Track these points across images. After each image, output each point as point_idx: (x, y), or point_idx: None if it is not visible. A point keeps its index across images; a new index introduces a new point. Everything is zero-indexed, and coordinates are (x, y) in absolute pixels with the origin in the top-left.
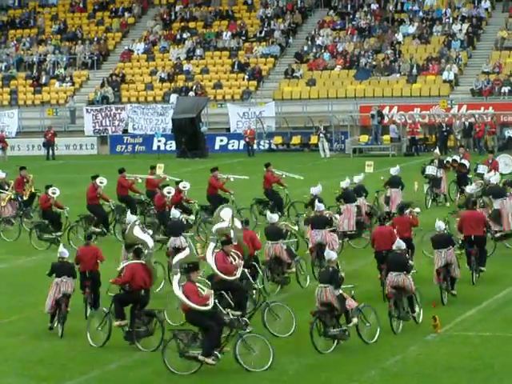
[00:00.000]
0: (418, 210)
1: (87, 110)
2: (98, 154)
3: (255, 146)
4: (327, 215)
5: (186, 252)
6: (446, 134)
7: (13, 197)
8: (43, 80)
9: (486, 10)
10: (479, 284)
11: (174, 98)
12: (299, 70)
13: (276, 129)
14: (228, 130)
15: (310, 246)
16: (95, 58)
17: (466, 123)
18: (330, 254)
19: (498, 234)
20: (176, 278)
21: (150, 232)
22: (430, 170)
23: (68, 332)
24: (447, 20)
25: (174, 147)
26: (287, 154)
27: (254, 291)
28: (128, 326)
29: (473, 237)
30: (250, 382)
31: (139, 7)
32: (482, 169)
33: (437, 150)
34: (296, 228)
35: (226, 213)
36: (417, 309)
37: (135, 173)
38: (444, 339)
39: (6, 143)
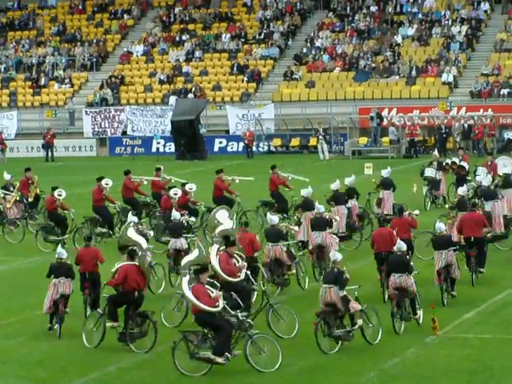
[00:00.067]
0: (417, 212)
1: (86, 111)
2: (97, 156)
3: (254, 148)
4: (327, 217)
5: (195, 253)
6: (445, 136)
7: (18, 198)
8: (42, 82)
9: (486, 12)
10: (478, 286)
11: (173, 99)
12: (298, 72)
13: (275, 131)
14: (227, 131)
15: (310, 247)
16: (94, 59)
17: (465, 125)
18: (336, 255)
19: (488, 235)
20: (185, 280)
21: (151, 233)
22: (429, 172)
23: (67, 333)
24: (446, 22)
25: (173, 149)
26: (286, 155)
27: (255, 293)
28: (122, 328)
29: (472, 238)
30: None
31: (138, 9)
32: (481, 171)
33: (435, 152)
34: (296, 228)
35: (221, 214)
36: (418, 311)
37: (134, 175)
38: (443, 341)
39: (5, 145)
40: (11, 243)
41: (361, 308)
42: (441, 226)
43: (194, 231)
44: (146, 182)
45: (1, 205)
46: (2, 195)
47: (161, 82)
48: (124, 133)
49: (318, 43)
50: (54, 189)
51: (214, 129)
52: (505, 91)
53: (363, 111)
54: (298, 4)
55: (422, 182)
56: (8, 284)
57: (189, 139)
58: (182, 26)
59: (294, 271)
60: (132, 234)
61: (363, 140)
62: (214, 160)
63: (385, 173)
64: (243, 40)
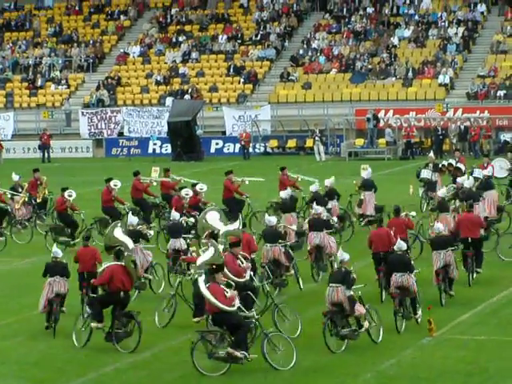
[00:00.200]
0: (413, 213)
1: (83, 112)
2: (94, 157)
3: (251, 150)
4: (325, 218)
5: (210, 253)
6: (441, 137)
7: (26, 199)
8: (39, 83)
9: (482, 13)
10: (475, 287)
11: (169, 101)
12: (295, 74)
13: (271, 132)
14: (224, 133)
15: (309, 248)
16: (91, 60)
17: (462, 127)
18: (343, 255)
19: None
20: (201, 280)
21: (151, 233)
22: (425, 173)
23: (65, 333)
24: (443, 24)
25: (169, 150)
26: (283, 157)
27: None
28: (108, 328)
29: (469, 239)
30: None
31: (135, 10)
32: (477, 172)
33: (431, 154)
34: (294, 227)
35: (212, 216)
36: (418, 311)
37: (131, 176)
38: (439, 343)
39: (2, 146)
40: (8, 243)
41: (365, 310)
42: (439, 227)
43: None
44: (155, 183)
45: (9, 206)
46: (10, 196)
47: (157, 83)
48: (120, 134)
49: (314, 44)
50: (63, 189)
51: (211, 130)
52: (501, 93)
53: (360, 113)
54: (295, 5)
55: (419, 183)
56: (5, 284)
57: (185, 140)
58: (178, 27)
59: (292, 272)
60: (118, 234)
61: (359, 141)
62: (210, 161)
63: (365, 174)
64: (240, 41)
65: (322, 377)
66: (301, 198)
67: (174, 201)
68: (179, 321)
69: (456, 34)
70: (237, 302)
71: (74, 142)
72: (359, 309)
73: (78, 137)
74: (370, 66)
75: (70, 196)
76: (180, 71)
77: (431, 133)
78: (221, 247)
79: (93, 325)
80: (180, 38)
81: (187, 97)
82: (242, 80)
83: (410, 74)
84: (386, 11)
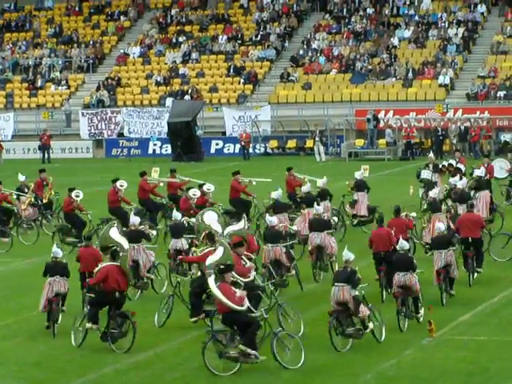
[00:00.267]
0: (414, 214)
1: (83, 113)
2: (94, 158)
3: (251, 150)
4: (326, 217)
5: (220, 253)
6: (441, 138)
7: (33, 200)
8: (39, 83)
9: (482, 14)
10: (475, 287)
11: (169, 101)
12: (295, 74)
13: (271, 132)
14: (224, 133)
15: (310, 248)
16: (91, 61)
17: (462, 127)
18: (348, 255)
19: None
20: (212, 279)
21: (154, 232)
22: (425, 174)
23: (65, 333)
24: (443, 24)
25: (169, 151)
26: (283, 157)
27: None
28: (104, 327)
29: (470, 239)
30: None
31: (135, 11)
32: (477, 173)
33: (431, 155)
34: (294, 228)
35: (209, 216)
36: (421, 310)
37: (131, 177)
38: (439, 343)
39: (2, 146)
40: (14, 244)
41: (370, 311)
42: (440, 226)
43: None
44: (162, 184)
45: (15, 206)
46: (16, 197)
47: (157, 84)
48: (120, 134)
49: (314, 45)
50: (71, 190)
51: (211, 130)
52: (501, 93)
53: (360, 113)
54: (295, 6)
55: (419, 184)
56: (5, 285)
57: (185, 141)
58: (178, 27)
59: (293, 272)
60: (114, 234)
61: (360, 142)
62: (210, 162)
63: (358, 175)
64: (240, 42)
65: (321, 377)
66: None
67: (182, 201)
68: (180, 321)
69: (456, 34)
70: (246, 302)
71: (74, 143)
72: (363, 310)
73: (78, 137)
74: (370, 67)
75: (77, 196)
76: (180, 72)
77: (431, 133)
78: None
79: (87, 326)
80: (180, 39)
81: (187, 97)
82: (242, 80)
83: (410, 75)
84: (386, 12)
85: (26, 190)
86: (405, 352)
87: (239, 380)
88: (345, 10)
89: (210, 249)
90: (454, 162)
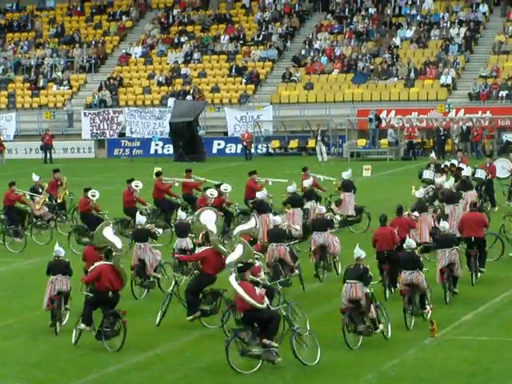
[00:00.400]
0: (416, 213)
1: (85, 113)
2: (96, 158)
3: (253, 150)
4: (328, 217)
5: (240, 251)
6: (443, 138)
7: (47, 200)
8: (41, 83)
9: (484, 14)
10: (477, 287)
11: (171, 101)
12: (297, 74)
13: (273, 132)
14: (226, 133)
15: (313, 248)
16: (93, 61)
17: (464, 127)
18: (360, 252)
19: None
20: (233, 278)
21: (160, 231)
22: (427, 174)
23: (67, 334)
24: (445, 24)
25: (171, 151)
26: (285, 157)
27: None
28: (99, 326)
29: (473, 238)
30: None
31: (137, 11)
32: (480, 173)
33: (433, 155)
34: (297, 227)
35: (206, 216)
36: (428, 307)
37: (132, 177)
38: (441, 343)
39: (4, 146)
40: (20, 244)
41: (377, 308)
42: (445, 225)
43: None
44: (177, 184)
45: (29, 207)
46: (29, 197)
47: (159, 84)
48: (122, 134)
49: (316, 45)
50: (86, 190)
51: (213, 130)
52: (503, 93)
53: (362, 113)
54: (297, 6)
55: (421, 184)
56: (7, 285)
57: (187, 141)
58: (180, 27)
59: (297, 272)
60: (107, 233)
61: (362, 142)
62: (212, 162)
63: (345, 175)
64: (242, 42)
65: (323, 377)
66: (324, 199)
67: (199, 201)
68: (179, 321)
69: (458, 34)
70: (266, 299)
71: (76, 143)
72: (373, 311)
73: (79, 137)
74: (371, 67)
75: (93, 196)
76: (182, 72)
77: (433, 133)
78: (223, 249)
79: (81, 326)
80: (182, 39)
81: (189, 97)
82: (243, 80)
83: (412, 75)
84: (388, 12)
85: (41, 190)
86: (407, 352)
87: (241, 380)
88: (347, 9)
89: (207, 248)
90: (456, 162)
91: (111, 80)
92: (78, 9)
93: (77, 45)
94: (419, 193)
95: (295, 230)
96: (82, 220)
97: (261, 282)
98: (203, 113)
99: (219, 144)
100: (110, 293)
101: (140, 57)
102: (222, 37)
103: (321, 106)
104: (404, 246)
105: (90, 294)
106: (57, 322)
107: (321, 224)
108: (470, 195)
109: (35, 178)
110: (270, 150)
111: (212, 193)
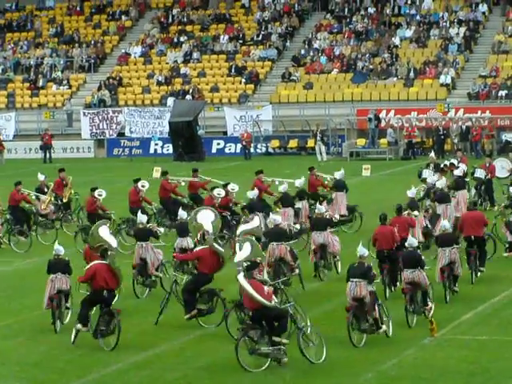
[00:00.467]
0: (416, 213)
1: (84, 113)
2: (95, 157)
3: (252, 150)
4: (328, 216)
5: (248, 249)
6: (443, 137)
7: (53, 199)
8: (40, 83)
9: (483, 13)
10: (477, 286)
11: (171, 101)
12: (296, 74)
13: (273, 132)
14: (225, 133)
15: (313, 247)
16: (92, 61)
17: (463, 127)
18: (363, 250)
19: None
20: (241, 276)
21: (162, 230)
22: (427, 173)
23: (67, 334)
24: (444, 24)
25: (170, 150)
26: (284, 157)
27: None
28: (95, 325)
29: (473, 237)
30: None
31: (136, 10)
32: (479, 173)
33: (432, 154)
34: (298, 227)
35: (203, 215)
36: (430, 303)
37: (132, 177)
38: (440, 343)
39: (3, 146)
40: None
41: (379, 306)
42: (445, 224)
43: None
44: (183, 183)
45: (34, 206)
46: (34, 197)
47: (159, 84)
48: (121, 134)
49: (315, 45)
50: (93, 189)
51: (212, 130)
52: (502, 93)
53: (361, 113)
54: (296, 5)
55: (420, 183)
56: (7, 285)
57: (187, 140)
58: (179, 27)
59: (297, 271)
60: (103, 233)
61: (361, 141)
62: (211, 161)
63: (338, 175)
64: (241, 41)
65: (322, 376)
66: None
67: (206, 201)
68: (180, 321)
69: (457, 34)
70: (274, 298)
71: (75, 143)
72: (376, 310)
73: (79, 137)
74: (371, 66)
75: (100, 195)
76: (181, 71)
77: (433, 133)
78: (220, 248)
79: (77, 327)
80: (181, 39)
81: (189, 97)
82: (243, 80)
83: (412, 74)
84: (388, 11)
85: (46, 190)
86: (406, 351)
87: (241, 380)
88: (346, 9)
89: (203, 247)
90: (455, 162)
91: (110, 80)
92: (78, 8)
93: (76, 44)
94: (411, 192)
95: (295, 229)
96: (89, 220)
97: (268, 280)
98: (203, 112)
99: (218, 144)
100: (105, 292)
101: (139, 56)
102: (222, 36)
103: (320, 105)
104: (406, 244)
105: (87, 293)
106: (56, 320)
107: (320, 223)
108: (462, 195)
109: (41, 177)
110: (270, 150)
111: (219, 192)
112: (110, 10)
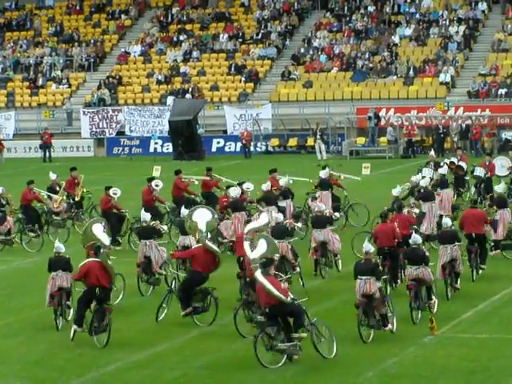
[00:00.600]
0: (416, 210)
1: (84, 112)
2: (95, 156)
3: (252, 148)
4: (327, 214)
5: (264, 246)
6: (442, 136)
7: (65, 198)
8: (40, 82)
9: (483, 12)
10: (477, 284)
11: (170, 100)
12: (296, 72)
13: (273, 131)
14: (225, 132)
15: (314, 245)
16: (92, 60)
17: (463, 125)
18: (368, 247)
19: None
20: (259, 273)
21: (165, 227)
22: (427, 172)
23: (67, 332)
24: (444, 22)
25: (170, 149)
26: (284, 155)
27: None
28: (90, 322)
29: (473, 235)
30: None
31: (136, 9)
32: (479, 171)
33: (432, 153)
34: (299, 225)
35: (199, 214)
36: (434, 297)
37: (132, 176)
38: (441, 341)
39: (3, 145)
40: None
41: (385, 301)
42: (447, 221)
43: None
44: (196, 182)
45: (45, 205)
46: (46, 196)
47: (158, 83)
48: (121, 133)
49: (315, 43)
50: (107, 188)
51: (212, 129)
52: (502, 91)
53: (361, 111)
54: (296, 4)
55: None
56: (7, 283)
57: (186, 139)
58: (179, 26)
59: (298, 270)
60: (96, 230)
61: (361, 140)
62: (211, 160)
63: (323, 173)
64: (241, 40)
65: (323, 375)
66: (343, 197)
67: (221, 199)
68: (180, 319)
69: (457, 32)
70: (290, 294)
71: (75, 142)
72: (385, 305)
73: (79, 136)
74: (371, 65)
75: (114, 194)
76: (181, 70)
77: (432, 131)
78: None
79: (74, 327)
80: (181, 37)
81: (188, 96)
82: (243, 79)
83: (411, 73)
84: (387, 10)
85: (58, 189)
86: (407, 350)
87: (243, 378)
88: (346, 8)
89: (197, 246)
90: (455, 160)
91: (110, 79)
92: (77, 7)
93: (76, 43)
94: (396, 191)
95: (297, 227)
96: (104, 218)
97: (283, 276)
98: (202, 111)
99: (218, 142)
100: (98, 289)
101: (139, 55)
102: (221, 35)
103: (320, 104)
104: (410, 241)
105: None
106: (57, 317)
107: (320, 221)
108: (447, 193)
109: (52, 176)
110: (270, 148)
111: (234, 191)
112: (110, 9)
